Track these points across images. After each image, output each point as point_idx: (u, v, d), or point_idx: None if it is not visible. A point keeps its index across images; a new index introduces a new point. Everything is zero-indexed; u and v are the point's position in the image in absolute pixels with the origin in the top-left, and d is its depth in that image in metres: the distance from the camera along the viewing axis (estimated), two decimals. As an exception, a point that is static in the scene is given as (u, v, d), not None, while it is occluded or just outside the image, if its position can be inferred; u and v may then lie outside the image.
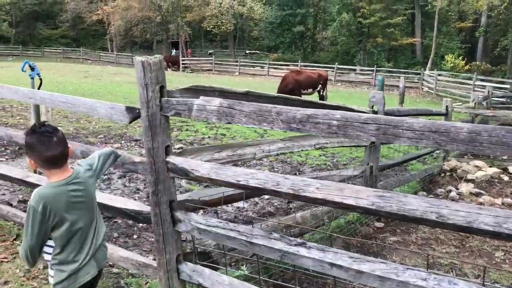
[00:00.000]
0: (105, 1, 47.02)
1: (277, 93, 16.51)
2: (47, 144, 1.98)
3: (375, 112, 4.91)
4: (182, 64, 38.50)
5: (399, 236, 4.91)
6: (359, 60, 39.64)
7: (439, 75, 26.92)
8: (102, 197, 3.01)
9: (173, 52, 43.88)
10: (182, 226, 2.55)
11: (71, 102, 2.78)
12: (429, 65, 35.23)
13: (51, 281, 2.14)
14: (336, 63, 33.24)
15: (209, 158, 2.88)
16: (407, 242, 4.71)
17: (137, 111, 2.49)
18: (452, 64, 33.08)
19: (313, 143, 3.89)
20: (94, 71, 28.17)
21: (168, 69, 38.68)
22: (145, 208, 2.80)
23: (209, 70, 39.08)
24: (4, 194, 5.38)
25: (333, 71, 32.30)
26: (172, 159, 2.47)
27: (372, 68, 32.19)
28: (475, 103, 10.22)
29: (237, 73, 37.32)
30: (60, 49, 47.84)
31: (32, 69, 5.06)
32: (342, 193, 1.90)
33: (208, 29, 42.68)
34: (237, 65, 38.53)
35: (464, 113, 10.62)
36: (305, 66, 35.07)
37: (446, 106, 7.94)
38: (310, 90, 16.88)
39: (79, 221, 2.07)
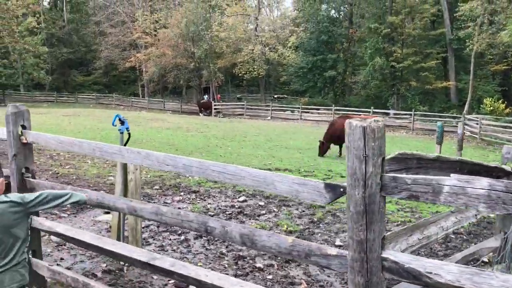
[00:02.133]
0: (138, 49, 48.14)
1: (325, 139, 16.05)
2: None
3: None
4: (214, 109, 38.55)
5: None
6: (392, 103, 39.05)
7: (482, 119, 26.01)
8: (198, 273, 2.41)
9: (205, 97, 44.19)
10: None
11: (231, 173, 2.21)
12: (466, 108, 34.41)
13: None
14: (372, 107, 32.69)
15: (405, 246, 2.23)
16: None
17: (341, 189, 1.89)
18: (491, 108, 32.13)
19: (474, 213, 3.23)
20: (131, 117, 28.21)
21: (200, 114, 38.79)
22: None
23: (240, 114, 39.01)
24: (82, 262, 4.81)
25: (368, 114, 31.71)
26: (391, 255, 1.84)
27: (410, 112, 31.53)
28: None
29: (269, 118, 37.09)
30: (93, 95, 48.77)
31: (122, 123, 4.60)
32: None
33: (239, 75, 42.98)
34: (268, 109, 38.39)
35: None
36: (337, 110, 34.69)
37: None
38: (358, 136, 16.30)
39: None
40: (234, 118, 37.25)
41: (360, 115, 19.00)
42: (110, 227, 6.50)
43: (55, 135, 3.20)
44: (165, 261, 2.60)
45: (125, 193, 4.65)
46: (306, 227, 6.86)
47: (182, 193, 9.02)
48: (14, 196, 2.56)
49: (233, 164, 2.28)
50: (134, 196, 4.56)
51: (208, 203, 8.30)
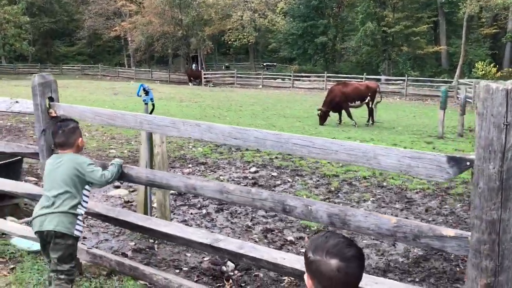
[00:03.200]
0: (122, 17, 46.76)
1: (323, 106, 15.79)
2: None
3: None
4: (204, 78, 37.89)
5: None
6: (383, 69, 38.78)
7: (477, 83, 25.88)
8: (272, 255, 2.21)
9: (193, 66, 43.37)
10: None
11: (320, 146, 1.95)
12: (457, 72, 34.32)
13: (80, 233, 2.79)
14: (365, 74, 32.37)
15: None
16: None
17: (467, 163, 1.65)
18: (483, 72, 32.07)
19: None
20: (121, 88, 27.58)
21: (190, 83, 38.13)
22: None
23: (231, 83, 38.44)
24: (107, 240, 4.56)
25: (361, 81, 31.43)
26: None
27: (403, 78, 31.34)
28: None
29: (260, 86, 36.63)
30: (79, 66, 47.59)
31: (147, 93, 4.29)
32: None
33: (229, 42, 42.14)
34: (259, 78, 37.87)
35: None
36: (329, 77, 34.32)
37: None
38: (357, 103, 16.06)
39: None
40: (225, 87, 36.71)
41: (363, 82, 18.66)
42: (127, 202, 6.26)
43: (91, 107, 2.89)
44: (230, 243, 2.36)
45: (151, 168, 4.38)
46: (326, 197, 6.68)
47: (190, 165, 8.76)
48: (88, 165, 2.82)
49: (329, 139, 2.01)
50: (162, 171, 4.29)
51: (220, 175, 8.07)
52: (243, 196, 2.27)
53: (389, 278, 4.09)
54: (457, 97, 28.25)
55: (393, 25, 36.88)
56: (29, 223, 5.17)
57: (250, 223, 5.45)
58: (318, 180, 7.72)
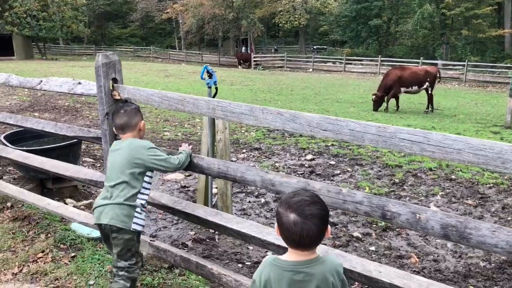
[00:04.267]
0: (174, 0, 47.04)
1: (379, 91, 15.11)
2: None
3: None
4: (254, 61, 37.57)
5: None
6: (441, 54, 37.01)
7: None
8: (365, 267, 1.90)
9: (243, 49, 43.13)
10: None
11: (436, 143, 1.61)
12: (523, 58, 32.20)
13: (139, 227, 2.53)
14: (422, 58, 30.94)
15: None
16: None
17: None
18: (552, 57, 29.91)
19: None
20: (172, 70, 27.76)
21: (239, 66, 37.95)
22: None
23: (280, 67, 37.93)
24: (166, 228, 4.40)
25: (418, 66, 30.11)
26: None
27: (462, 63, 29.74)
28: None
29: (310, 70, 35.93)
30: (131, 48, 48.44)
31: (210, 75, 4.04)
32: None
33: (280, 24, 41.51)
34: (309, 61, 37.14)
35: None
36: (383, 61, 33.11)
37: None
38: (415, 88, 15.26)
39: None
40: (275, 70, 36.25)
41: (422, 67, 17.71)
42: (183, 187, 6.12)
43: (159, 90, 2.66)
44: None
45: (212, 155, 4.16)
46: (391, 189, 6.27)
47: (244, 151, 8.55)
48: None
49: (432, 131, 1.67)
50: (224, 159, 4.06)
51: (275, 162, 7.81)
52: (332, 196, 1.97)
53: (471, 285, 3.70)
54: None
55: (453, 7, 34.93)
56: (87, 206, 5.12)
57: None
58: (380, 171, 7.30)
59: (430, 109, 15.30)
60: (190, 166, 2.57)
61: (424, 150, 1.65)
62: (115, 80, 2.89)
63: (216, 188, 4.47)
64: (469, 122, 13.36)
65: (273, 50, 48.81)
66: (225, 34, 44.14)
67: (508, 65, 32.22)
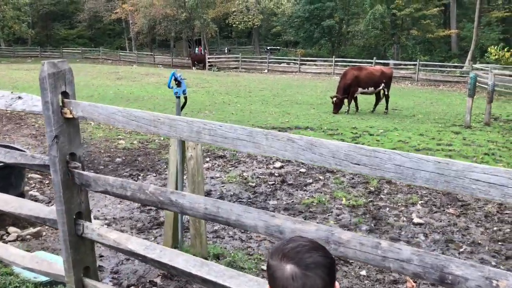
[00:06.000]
0: (123, 0, 45.54)
1: (338, 93, 14.86)
2: None
3: None
4: (208, 62, 36.89)
5: None
6: (392, 54, 37.76)
7: (494, 68, 24.95)
8: None
9: (196, 50, 42.33)
10: None
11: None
12: (469, 57, 33.33)
13: None
14: (375, 58, 31.35)
15: None
16: None
17: None
18: (496, 56, 31.05)
19: None
20: (124, 72, 26.66)
21: (193, 67, 37.17)
22: None
23: (235, 68, 37.47)
24: (129, 261, 3.78)
25: (371, 66, 30.45)
26: None
27: (414, 62, 30.38)
28: None
29: (266, 71, 35.67)
30: (79, 50, 46.49)
31: (179, 83, 3.48)
32: None
33: (233, 25, 41.03)
34: (264, 62, 36.89)
35: None
36: (337, 61, 33.33)
37: None
38: (371, 89, 15.12)
39: None
40: (230, 71, 35.74)
41: (377, 67, 17.65)
42: (145, 205, 5.50)
43: (123, 108, 2.10)
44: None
45: (182, 176, 3.62)
46: (369, 199, 5.92)
47: (208, 159, 7.99)
48: None
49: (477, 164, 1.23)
50: (196, 179, 3.52)
51: (242, 171, 7.31)
52: (367, 251, 1.50)
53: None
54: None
55: (403, 7, 35.74)
56: (35, 236, 4.42)
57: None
58: (353, 178, 6.95)
59: (379, 109, 15.30)
60: (164, 205, 2.03)
61: (507, 195, 1.21)
62: (65, 94, 2.30)
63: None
64: (428, 122, 13.39)
65: (226, 51, 48.24)
66: (178, 35, 43.15)
67: (456, 64, 33.30)
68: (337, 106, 14.74)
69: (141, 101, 15.15)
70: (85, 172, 2.30)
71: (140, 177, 6.82)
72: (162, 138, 9.59)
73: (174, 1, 36.67)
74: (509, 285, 1.27)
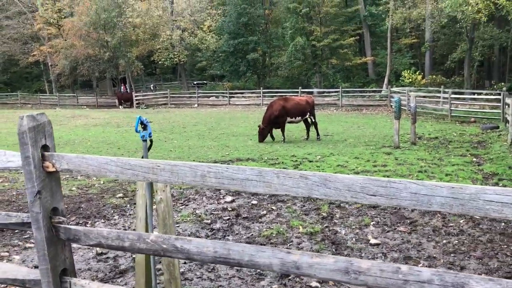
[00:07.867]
0: (41, 41, 43.94)
1: (263, 123, 15.18)
2: None
3: None
4: (136, 100, 36.31)
5: None
6: (315, 82, 39.44)
7: (410, 91, 26.85)
8: None
9: (121, 88, 41.60)
10: None
11: None
12: (386, 81, 35.64)
13: None
14: (300, 87, 32.58)
15: None
16: None
17: None
18: (410, 79, 33.50)
19: None
20: (49, 116, 25.44)
21: (120, 106, 36.42)
22: None
23: (164, 104, 37.24)
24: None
25: (297, 95, 31.58)
26: None
27: (337, 90, 31.90)
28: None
29: (196, 105, 35.77)
30: (-6, 95, 43.95)
31: (145, 127, 3.45)
32: None
33: (159, 62, 40.91)
34: (193, 97, 36.99)
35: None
36: (265, 92, 34.22)
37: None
38: (298, 118, 15.64)
39: None
40: (159, 108, 35.41)
41: (302, 97, 18.37)
42: (100, 254, 5.25)
43: (116, 158, 2.06)
44: None
45: (151, 221, 3.54)
46: (324, 225, 6.08)
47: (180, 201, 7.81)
48: None
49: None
50: (167, 222, 3.47)
51: (194, 209, 7.22)
52: (387, 277, 1.58)
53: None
54: (391, 105, 29.19)
55: (321, 39, 37.70)
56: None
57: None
58: (303, 205, 7.12)
59: (309, 136, 15.79)
60: (168, 252, 2.00)
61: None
62: (45, 148, 2.22)
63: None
64: (360, 145, 14.02)
65: (152, 88, 47.80)
66: (102, 74, 42.21)
67: (374, 88, 35.38)
68: (261, 135, 15.01)
69: (72, 145, 14.55)
70: (73, 227, 2.21)
71: (88, 225, 6.52)
72: (102, 182, 9.26)
73: (96, 41, 35.98)
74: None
